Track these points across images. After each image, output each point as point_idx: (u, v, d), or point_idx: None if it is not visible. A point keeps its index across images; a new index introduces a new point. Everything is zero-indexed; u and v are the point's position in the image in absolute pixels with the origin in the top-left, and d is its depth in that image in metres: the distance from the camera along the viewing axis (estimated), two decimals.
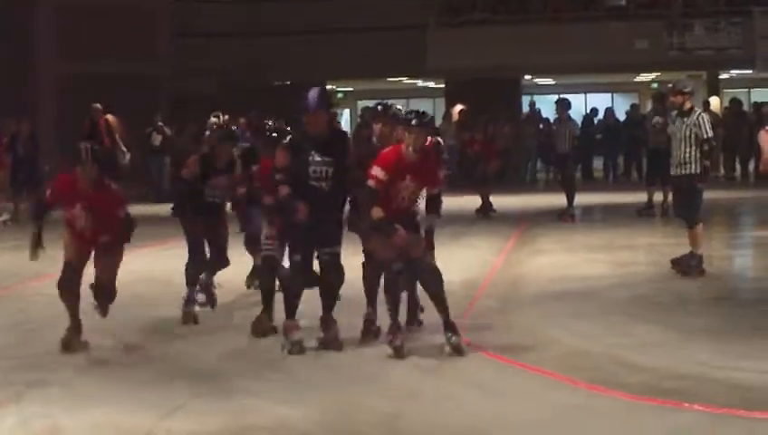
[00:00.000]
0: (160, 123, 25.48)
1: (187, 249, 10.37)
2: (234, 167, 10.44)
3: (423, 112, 8.69)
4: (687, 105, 12.29)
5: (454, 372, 7.99)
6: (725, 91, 33.22)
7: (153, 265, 13.38)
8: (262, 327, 9.32)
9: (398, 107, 9.42)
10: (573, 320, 9.96)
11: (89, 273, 9.13)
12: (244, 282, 11.61)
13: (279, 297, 9.31)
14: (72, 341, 8.91)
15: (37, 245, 9.17)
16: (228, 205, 10.93)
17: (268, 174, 9.24)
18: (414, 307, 9.36)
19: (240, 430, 6.75)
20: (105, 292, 9.16)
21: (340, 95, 38.64)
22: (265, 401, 7.34)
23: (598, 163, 30.42)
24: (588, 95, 38.38)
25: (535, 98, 32.91)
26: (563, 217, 18.91)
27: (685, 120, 12.20)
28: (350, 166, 8.84)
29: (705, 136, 12.11)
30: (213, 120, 20.22)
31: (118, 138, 23.03)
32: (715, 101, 29.28)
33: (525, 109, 32.02)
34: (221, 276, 11.00)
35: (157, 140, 25.33)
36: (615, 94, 39.86)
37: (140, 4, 28.33)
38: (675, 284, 11.87)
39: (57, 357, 8.73)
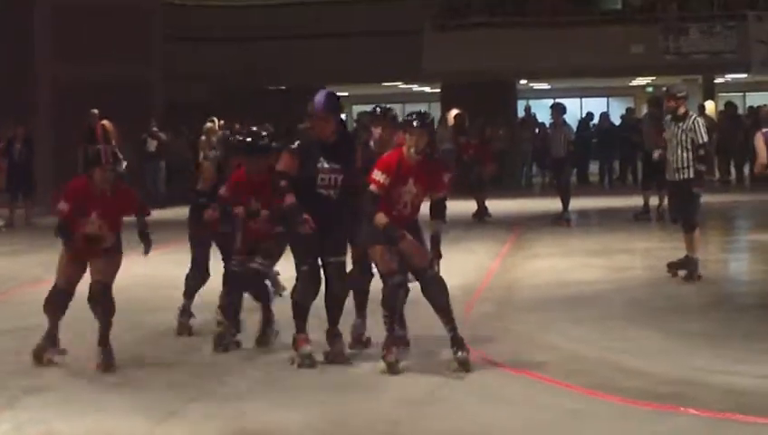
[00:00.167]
0: (155, 128, 25.48)
1: (190, 259, 10.04)
2: None
3: (424, 113, 8.42)
4: (682, 110, 12.29)
5: (451, 378, 7.98)
6: (721, 94, 33.26)
7: (149, 270, 13.36)
8: (223, 342, 9.02)
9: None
10: (570, 324, 9.96)
11: (85, 280, 9.08)
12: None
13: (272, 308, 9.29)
14: (43, 352, 8.66)
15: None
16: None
17: (241, 183, 9.00)
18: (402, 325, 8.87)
19: None
20: (102, 299, 8.46)
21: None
22: (260, 407, 7.34)
23: (593, 167, 30.45)
24: (583, 99, 38.43)
25: (531, 102, 32.98)
26: (559, 221, 18.92)
27: (680, 125, 12.20)
28: (358, 173, 8.51)
29: (700, 141, 12.12)
30: (208, 125, 20.26)
31: (114, 144, 23.02)
32: (710, 105, 29.31)
33: (521, 113, 32.04)
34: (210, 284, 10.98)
35: (152, 145, 25.34)
36: (611, 98, 39.92)
37: (137, 7, 28.32)
38: (671, 288, 11.87)
39: (52, 364, 8.71)
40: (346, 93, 38.28)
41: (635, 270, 13.44)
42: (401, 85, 36.10)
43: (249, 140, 9.13)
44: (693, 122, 12.19)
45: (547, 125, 26.19)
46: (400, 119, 8.87)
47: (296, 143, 8.54)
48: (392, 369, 8.07)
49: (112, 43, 26.88)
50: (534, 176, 31.20)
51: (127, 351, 9.10)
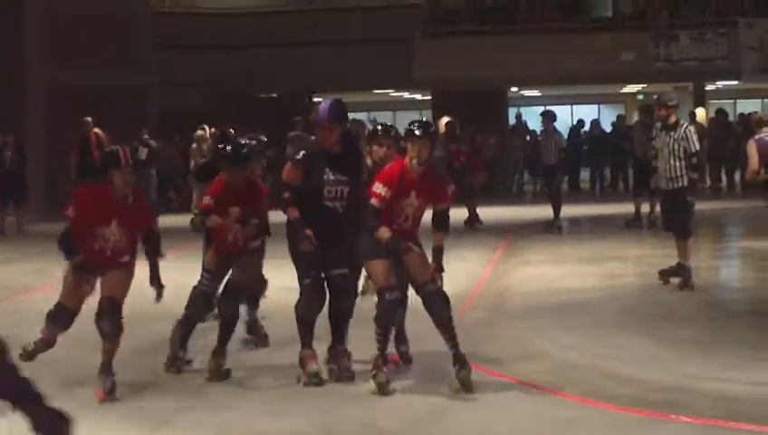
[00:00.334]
0: (146, 136, 25.47)
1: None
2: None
3: (426, 122, 8.14)
4: (672, 119, 12.24)
5: (441, 385, 7.97)
6: (711, 101, 33.30)
7: (145, 278, 13.33)
8: (175, 364, 8.65)
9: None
10: (561, 332, 9.97)
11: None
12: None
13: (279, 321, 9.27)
14: (34, 355, 8.25)
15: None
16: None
17: (220, 192, 8.58)
18: (403, 341, 8.70)
19: None
20: (111, 318, 7.90)
21: None
22: (251, 416, 7.34)
23: (585, 174, 30.47)
24: (574, 106, 38.47)
25: (522, 109, 32.98)
26: (550, 228, 18.94)
27: (671, 134, 12.16)
28: (363, 184, 8.13)
29: (693, 149, 12.09)
30: (199, 132, 20.23)
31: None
32: (701, 112, 29.36)
33: (512, 120, 32.07)
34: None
35: (143, 153, 25.29)
36: (601, 105, 39.97)
37: (126, 15, 28.31)
38: (662, 295, 11.88)
39: (44, 372, 8.69)
40: None
41: (626, 277, 13.45)
42: (393, 93, 36.12)
43: (230, 150, 8.65)
44: (684, 131, 12.18)
45: (538, 132, 26.22)
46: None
47: (301, 154, 8.20)
48: (382, 389, 7.71)
49: (103, 51, 26.87)
50: (525, 183, 31.22)
51: (120, 359, 9.08)
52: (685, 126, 12.34)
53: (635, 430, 6.89)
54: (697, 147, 12.21)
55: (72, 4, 26.93)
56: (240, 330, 9.47)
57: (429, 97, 32.19)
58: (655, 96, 13.04)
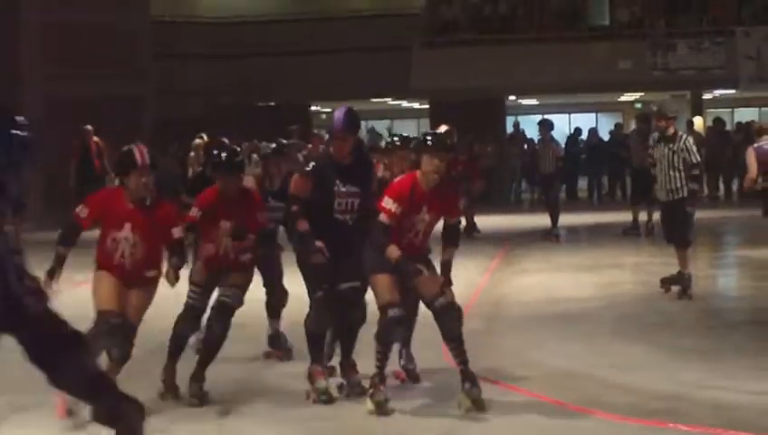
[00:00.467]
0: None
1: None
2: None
3: (446, 133, 7.90)
4: (671, 130, 12.20)
5: (438, 392, 7.95)
6: (709, 110, 33.34)
7: None
8: (169, 383, 8.12)
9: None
10: (559, 340, 9.95)
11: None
12: None
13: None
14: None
15: (53, 276, 7.30)
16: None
17: (212, 202, 8.13)
18: (410, 358, 8.46)
19: None
20: (123, 342, 7.46)
21: (324, 116, 38.67)
22: (245, 423, 7.32)
23: (582, 183, 30.48)
24: (572, 115, 38.51)
25: (520, 118, 32.99)
26: (548, 237, 18.94)
27: (670, 145, 12.07)
28: (373, 196, 7.86)
29: (693, 161, 12.03)
30: (197, 141, 20.21)
31: (106, 161, 23.04)
32: (698, 121, 29.38)
33: (509, 129, 32.08)
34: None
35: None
36: (599, 114, 39.99)
37: (125, 24, 28.32)
38: (661, 304, 11.87)
39: (40, 380, 8.66)
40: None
41: (624, 285, 13.44)
42: (390, 102, 36.13)
43: (225, 156, 8.18)
44: (684, 143, 12.11)
45: (535, 141, 26.23)
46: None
47: (311, 165, 7.92)
48: (380, 409, 7.40)
49: (102, 60, 26.88)
50: (523, 192, 31.22)
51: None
52: (684, 138, 12.29)
53: None
54: (698, 158, 12.15)
55: (72, 14, 26.95)
56: (262, 343, 9.42)
57: (427, 106, 32.21)
58: (655, 107, 12.99)
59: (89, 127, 22.58)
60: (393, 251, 7.42)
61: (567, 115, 38.15)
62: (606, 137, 30.78)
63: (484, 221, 20.72)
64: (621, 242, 18.14)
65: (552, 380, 8.33)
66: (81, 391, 3.99)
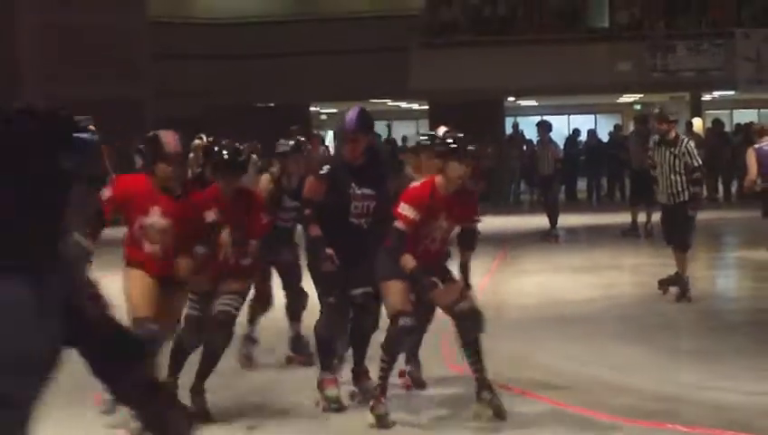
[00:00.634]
0: (141, 146, 25.47)
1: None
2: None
3: (466, 136, 7.64)
4: (672, 134, 12.17)
5: (436, 393, 7.95)
6: (708, 112, 33.34)
7: None
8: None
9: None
10: (558, 341, 9.95)
11: None
12: None
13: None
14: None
15: None
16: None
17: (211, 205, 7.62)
18: (416, 365, 8.23)
19: None
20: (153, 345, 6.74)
21: (323, 117, 38.70)
22: (240, 427, 7.32)
23: (582, 184, 30.48)
24: (571, 116, 38.48)
25: (519, 119, 32.98)
26: (547, 238, 18.94)
27: (672, 149, 12.02)
28: (388, 198, 7.55)
29: (695, 164, 11.99)
30: (197, 141, 20.14)
31: (107, 163, 23.08)
32: (697, 123, 29.38)
33: (509, 130, 32.09)
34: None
35: (139, 163, 25.32)
36: (598, 115, 39.98)
37: (124, 26, 28.32)
38: (660, 305, 11.86)
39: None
40: (334, 110, 38.42)
41: (624, 287, 13.44)
42: (389, 103, 36.13)
43: (227, 156, 7.72)
44: (685, 147, 12.06)
45: (534, 142, 26.24)
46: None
47: (326, 168, 7.63)
48: (381, 422, 7.14)
49: (100, 61, 26.88)
50: (522, 193, 31.22)
51: None
52: (685, 141, 12.25)
53: None
54: (700, 162, 12.10)
55: (71, 14, 26.95)
56: (284, 347, 9.26)
57: (426, 107, 32.21)
58: (656, 110, 12.95)
59: (92, 128, 22.61)
60: (408, 261, 7.09)
61: (566, 116, 38.13)
62: (605, 138, 30.78)
63: (484, 222, 20.63)
64: (620, 243, 18.14)
65: (550, 380, 8.32)
66: (137, 402, 3.85)
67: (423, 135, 8.55)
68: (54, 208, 2.51)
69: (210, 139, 14.72)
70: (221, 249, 7.54)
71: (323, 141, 26.80)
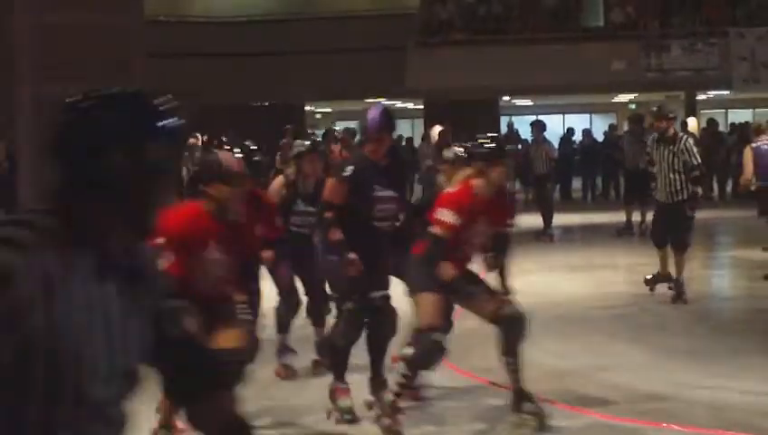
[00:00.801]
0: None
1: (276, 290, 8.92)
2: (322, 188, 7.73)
3: (502, 137, 7.51)
4: (671, 131, 12.13)
5: (430, 392, 7.95)
6: (703, 111, 33.38)
7: None
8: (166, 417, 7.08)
9: None
10: (553, 340, 9.95)
11: None
12: None
13: None
14: None
15: None
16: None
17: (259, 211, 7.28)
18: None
19: None
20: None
21: (318, 116, 38.68)
22: None
23: (576, 183, 30.49)
24: (566, 116, 38.52)
25: (514, 118, 33.01)
26: (542, 237, 18.95)
27: (670, 147, 11.97)
28: (406, 200, 7.37)
29: (694, 162, 11.94)
30: (191, 140, 20.14)
31: None
32: (692, 122, 29.41)
33: (504, 129, 32.09)
34: None
35: None
36: (593, 115, 40.01)
37: (118, 24, 28.28)
38: (655, 304, 11.87)
39: None
40: (329, 109, 38.44)
41: (618, 285, 13.44)
42: (385, 101, 36.13)
43: (243, 156, 7.29)
44: (684, 144, 12.01)
45: (529, 142, 26.25)
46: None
47: (349, 169, 7.22)
48: None
49: (95, 60, 26.83)
50: (517, 192, 31.20)
51: None
52: (684, 139, 12.19)
53: None
54: (699, 160, 12.02)
55: (65, 13, 26.88)
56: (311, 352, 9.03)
57: (421, 106, 32.22)
58: (654, 108, 12.88)
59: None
60: (447, 269, 6.87)
61: (561, 116, 38.16)
62: (600, 138, 30.80)
63: None
64: (615, 242, 18.15)
65: (545, 379, 8.31)
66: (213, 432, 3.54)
67: (460, 147, 8.24)
68: (141, 204, 2.31)
69: (205, 138, 14.75)
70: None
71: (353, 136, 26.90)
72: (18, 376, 2.15)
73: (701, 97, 32.07)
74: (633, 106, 35.71)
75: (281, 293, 8.86)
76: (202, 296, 5.92)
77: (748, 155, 13.49)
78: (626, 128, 24.57)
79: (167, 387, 2.49)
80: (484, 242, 7.18)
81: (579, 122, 34.67)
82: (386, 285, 7.32)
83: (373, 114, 7.33)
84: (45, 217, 2.25)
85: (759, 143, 13.68)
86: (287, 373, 8.75)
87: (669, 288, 12.16)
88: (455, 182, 7.35)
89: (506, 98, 32.87)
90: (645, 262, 14.52)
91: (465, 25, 29.87)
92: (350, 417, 7.22)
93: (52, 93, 26.02)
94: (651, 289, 12.33)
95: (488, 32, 29.54)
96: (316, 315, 8.99)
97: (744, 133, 27.29)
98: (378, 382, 7.39)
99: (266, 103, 32.72)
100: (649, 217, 14.57)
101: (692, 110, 30.81)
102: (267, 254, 8.00)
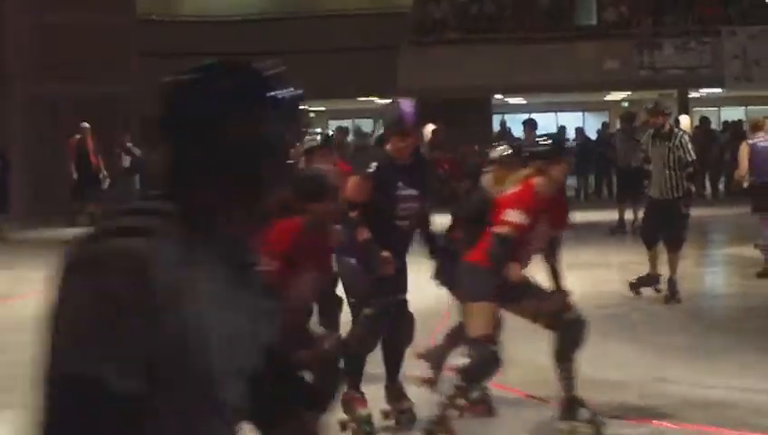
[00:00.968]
0: (129, 144, 25.44)
1: None
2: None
3: (559, 133, 7.18)
4: (667, 127, 12.12)
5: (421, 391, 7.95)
6: (695, 109, 33.41)
7: None
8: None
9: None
10: (544, 338, 9.93)
11: None
12: None
13: None
14: None
15: None
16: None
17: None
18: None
19: None
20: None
21: (311, 115, 38.63)
22: None
23: (569, 181, 30.46)
24: (559, 114, 38.51)
25: (506, 117, 33.01)
26: None
27: (666, 143, 11.95)
28: (427, 199, 7.11)
29: (689, 159, 11.93)
30: None
31: (101, 160, 23.20)
32: (685, 120, 29.44)
33: (496, 128, 32.10)
34: None
35: (126, 161, 25.29)
36: (586, 113, 40.01)
37: (113, 24, 28.26)
38: (647, 302, 11.89)
39: (26, 380, 8.64)
40: (323, 108, 38.43)
41: (611, 284, 13.43)
42: (378, 100, 36.10)
43: None
44: (680, 140, 11.99)
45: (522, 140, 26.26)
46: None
47: (374, 166, 6.91)
48: None
49: (88, 60, 26.81)
50: None
51: None
52: (680, 135, 12.17)
53: None
54: (693, 156, 12.00)
55: (59, 12, 26.88)
56: None
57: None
58: (650, 105, 12.85)
59: (86, 125, 22.67)
60: (516, 270, 6.65)
61: (554, 114, 38.16)
62: (593, 136, 30.81)
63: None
64: (608, 241, 18.16)
65: (536, 377, 8.31)
66: None
67: (508, 146, 8.03)
68: (257, 184, 2.13)
69: None
70: None
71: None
72: (158, 368, 2.01)
73: (693, 95, 32.10)
74: (626, 104, 35.73)
75: None
76: (291, 312, 5.71)
77: (744, 151, 13.47)
78: (618, 126, 24.59)
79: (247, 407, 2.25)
80: (541, 245, 7.01)
81: (572, 121, 34.66)
82: (405, 288, 7.04)
83: (406, 109, 6.98)
84: (165, 204, 2.10)
85: (756, 140, 13.65)
86: None
87: (657, 290, 12.14)
88: (510, 182, 7.06)
89: (499, 96, 32.87)
90: (638, 260, 14.53)
91: (459, 24, 29.88)
92: (368, 428, 6.88)
93: (46, 91, 26.02)
94: (636, 292, 12.30)
95: (481, 31, 29.56)
96: (329, 320, 8.47)
97: (737, 131, 27.37)
98: (394, 390, 7.14)
99: None
100: (642, 215, 14.58)
101: (684, 108, 30.83)
102: None
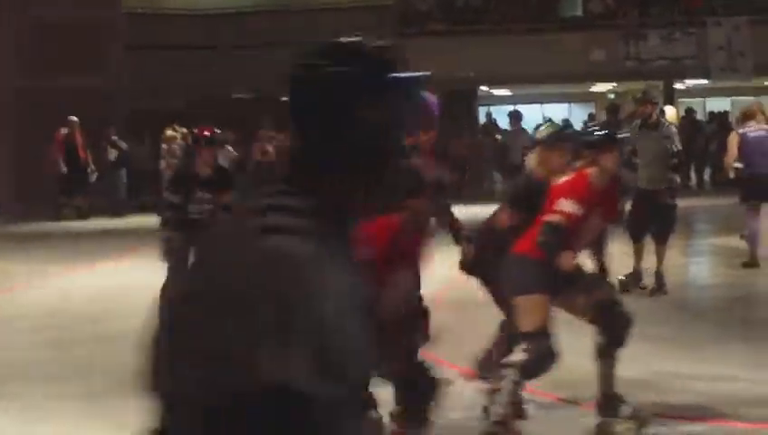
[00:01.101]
0: (114, 137, 25.41)
1: None
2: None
3: (609, 124, 6.96)
4: (654, 117, 12.11)
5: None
6: (681, 100, 33.45)
7: (122, 280, 13.28)
8: None
9: None
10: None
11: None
12: None
13: None
14: None
15: None
16: None
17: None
18: None
19: None
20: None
21: None
22: None
23: None
24: (544, 105, 38.51)
25: (492, 108, 33.01)
26: None
27: (653, 133, 11.94)
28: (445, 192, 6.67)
29: (674, 150, 11.93)
30: (169, 133, 20.05)
31: (89, 154, 23.21)
32: (671, 111, 29.49)
33: (482, 119, 32.11)
34: None
35: (112, 154, 25.26)
36: (572, 104, 40.02)
37: (97, 18, 28.19)
38: (635, 293, 11.89)
39: (14, 372, 8.64)
40: None
41: None
42: None
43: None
44: (667, 129, 12.01)
45: (508, 131, 26.28)
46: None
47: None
48: None
49: (75, 53, 26.76)
50: (495, 182, 31.23)
51: (90, 358, 9.04)
52: (667, 125, 12.19)
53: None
54: (679, 147, 12.00)
55: (45, 5, 26.82)
56: None
57: None
58: (638, 95, 12.82)
59: (74, 119, 22.66)
60: (568, 258, 6.44)
61: (539, 105, 38.17)
62: (579, 128, 30.84)
63: (459, 212, 20.68)
64: None
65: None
66: None
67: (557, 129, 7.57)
68: (380, 176, 2.06)
69: (185, 130, 14.70)
70: None
71: None
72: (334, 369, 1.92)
73: (679, 86, 32.14)
74: (612, 96, 35.77)
75: None
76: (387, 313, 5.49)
77: (734, 140, 13.45)
78: (604, 118, 24.63)
79: None
80: (593, 238, 6.88)
81: (557, 112, 34.66)
82: (418, 285, 6.70)
83: (431, 99, 6.73)
84: (298, 199, 2.02)
85: (746, 130, 13.63)
86: None
87: (641, 288, 12.13)
88: (559, 170, 6.87)
89: (485, 88, 32.87)
90: (624, 252, 14.58)
91: (444, 16, 29.86)
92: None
93: (31, 85, 25.92)
94: (626, 291, 12.29)
95: (466, 22, 29.55)
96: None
97: (723, 122, 27.43)
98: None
99: (245, 96, 32.66)
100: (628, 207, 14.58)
101: (670, 99, 30.88)
102: None
